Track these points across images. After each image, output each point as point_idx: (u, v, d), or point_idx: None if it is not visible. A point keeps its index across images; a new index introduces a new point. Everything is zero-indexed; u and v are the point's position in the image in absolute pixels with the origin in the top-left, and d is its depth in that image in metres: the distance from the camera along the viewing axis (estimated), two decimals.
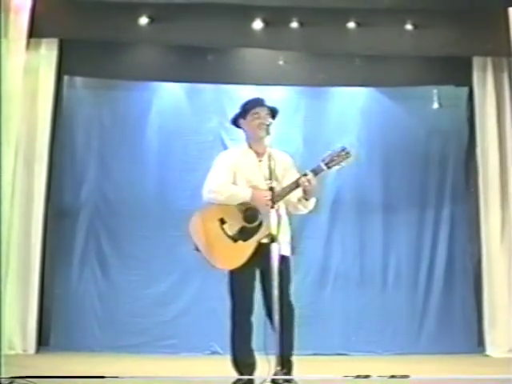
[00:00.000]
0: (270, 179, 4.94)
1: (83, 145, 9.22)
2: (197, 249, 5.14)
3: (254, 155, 5.26)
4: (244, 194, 5.13)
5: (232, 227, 5.10)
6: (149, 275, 8.97)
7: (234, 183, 5.23)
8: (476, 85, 8.93)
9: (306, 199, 5.14)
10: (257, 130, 5.20)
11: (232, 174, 5.26)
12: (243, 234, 5.07)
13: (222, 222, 5.12)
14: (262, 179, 5.08)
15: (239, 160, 5.32)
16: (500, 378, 4.35)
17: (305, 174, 5.07)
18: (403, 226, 9.36)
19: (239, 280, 5.13)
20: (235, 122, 5.42)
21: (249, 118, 5.29)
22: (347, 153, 5.12)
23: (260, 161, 5.23)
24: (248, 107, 5.34)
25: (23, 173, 8.33)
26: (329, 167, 5.10)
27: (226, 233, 5.09)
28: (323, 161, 5.10)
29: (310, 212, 5.39)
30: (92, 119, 9.27)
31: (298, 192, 5.14)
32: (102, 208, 9.17)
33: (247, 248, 5.04)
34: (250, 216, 5.07)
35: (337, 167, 5.13)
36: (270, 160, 4.96)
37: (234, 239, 5.08)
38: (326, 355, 8.32)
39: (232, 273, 5.14)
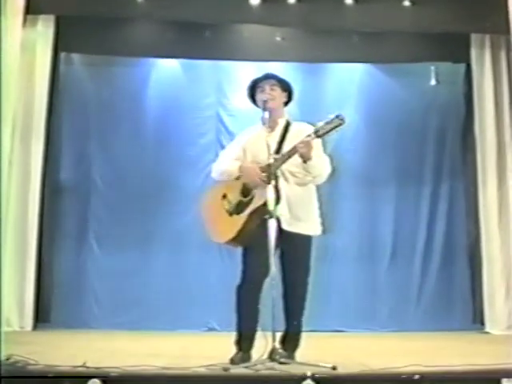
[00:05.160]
0: (278, 153, 5.00)
1: (80, 121, 9.22)
2: None
3: (264, 130, 5.12)
4: (232, 169, 5.19)
5: (230, 202, 5.14)
6: (146, 252, 9.00)
7: (244, 160, 5.24)
8: (474, 62, 8.95)
9: (305, 162, 4.97)
10: (261, 103, 5.22)
11: (242, 151, 5.32)
12: (238, 208, 5.09)
13: (224, 197, 5.18)
14: (267, 154, 4.96)
15: (250, 137, 5.37)
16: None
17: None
18: (400, 201, 9.39)
19: (251, 258, 5.08)
20: (254, 102, 5.40)
21: (257, 93, 5.33)
22: (341, 119, 4.81)
23: (269, 135, 5.10)
24: (254, 83, 5.38)
25: (20, 150, 8.33)
26: (324, 130, 4.84)
27: (224, 207, 5.15)
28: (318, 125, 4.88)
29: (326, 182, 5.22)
30: (89, 96, 9.26)
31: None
32: (99, 184, 9.19)
33: (238, 221, 5.04)
34: (246, 189, 5.09)
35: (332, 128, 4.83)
36: (282, 133, 5.13)
37: (230, 213, 5.12)
38: (323, 332, 8.32)
39: (245, 249, 5.14)
